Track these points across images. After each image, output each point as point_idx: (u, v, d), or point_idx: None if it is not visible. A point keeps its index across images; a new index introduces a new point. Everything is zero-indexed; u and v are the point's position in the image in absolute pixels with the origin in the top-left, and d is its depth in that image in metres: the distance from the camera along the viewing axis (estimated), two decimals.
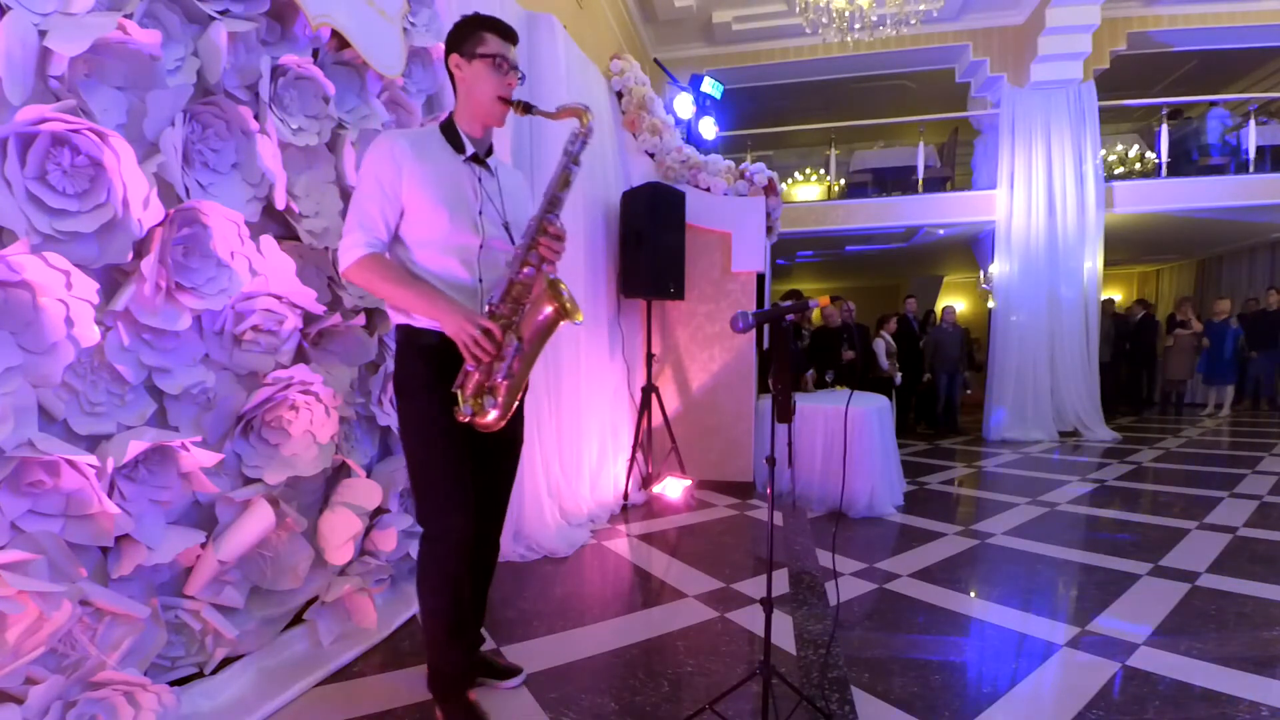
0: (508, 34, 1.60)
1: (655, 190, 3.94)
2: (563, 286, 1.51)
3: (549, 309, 1.51)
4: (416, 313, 1.55)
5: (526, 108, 1.58)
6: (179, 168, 1.57)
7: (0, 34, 1.24)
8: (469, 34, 1.58)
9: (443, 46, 1.65)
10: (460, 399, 1.52)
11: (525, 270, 1.51)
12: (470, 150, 1.62)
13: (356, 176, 1.58)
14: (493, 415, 1.52)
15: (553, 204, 1.53)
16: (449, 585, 1.60)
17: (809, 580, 2.67)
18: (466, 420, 1.53)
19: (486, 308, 1.53)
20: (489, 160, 1.67)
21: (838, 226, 7.80)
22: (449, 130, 1.63)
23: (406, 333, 1.60)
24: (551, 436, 3.27)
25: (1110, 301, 9.23)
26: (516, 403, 1.58)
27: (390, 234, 1.56)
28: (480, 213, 1.60)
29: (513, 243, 1.65)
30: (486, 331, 1.46)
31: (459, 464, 1.59)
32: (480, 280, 1.60)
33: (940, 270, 11.66)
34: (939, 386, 7.58)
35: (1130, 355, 8.80)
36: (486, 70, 1.57)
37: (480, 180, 1.63)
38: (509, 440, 1.74)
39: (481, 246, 1.60)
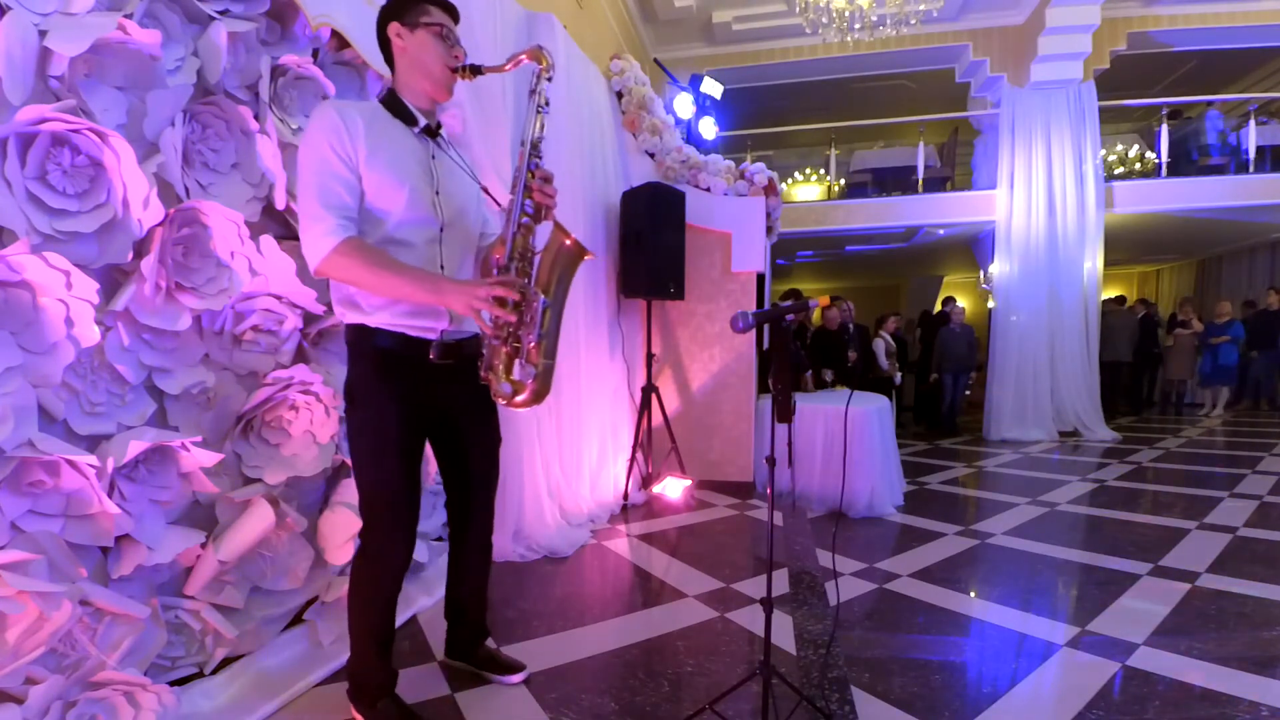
0: (451, 9, 1.53)
1: (655, 190, 3.94)
2: (566, 229, 1.47)
3: (565, 244, 1.44)
4: (413, 299, 1.41)
5: (474, 70, 1.49)
6: (179, 168, 1.57)
7: (0, 34, 1.24)
8: (411, 3, 1.49)
9: None
10: (494, 379, 1.41)
11: (524, 220, 1.43)
12: (423, 123, 1.52)
13: (299, 154, 1.41)
14: (531, 388, 1.42)
15: (534, 149, 1.45)
16: (381, 604, 1.57)
17: (809, 580, 2.67)
18: (505, 402, 1.43)
19: (495, 270, 1.43)
20: (440, 135, 1.58)
21: (838, 226, 7.80)
22: (393, 103, 1.51)
23: (359, 333, 1.48)
24: (551, 436, 3.27)
25: (1121, 299, 9.23)
26: (554, 366, 1.46)
27: (358, 211, 1.41)
28: (438, 193, 1.51)
29: (496, 203, 1.60)
30: (501, 285, 1.33)
31: (409, 482, 1.52)
32: (442, 266, 1.52)
33: (940, 270, 11.66)
34: (944, 386, 7.60)
35: (1132, 354, 8.79)
36: (432, 40, 1.48)
37: (434, 156, 1.54)
38: (483, 434, 1.70)
39: (442, 229, 1.52)
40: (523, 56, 1.47)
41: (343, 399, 1.54)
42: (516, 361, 1.41)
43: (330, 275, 1.40)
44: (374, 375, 1.48)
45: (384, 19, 1.51)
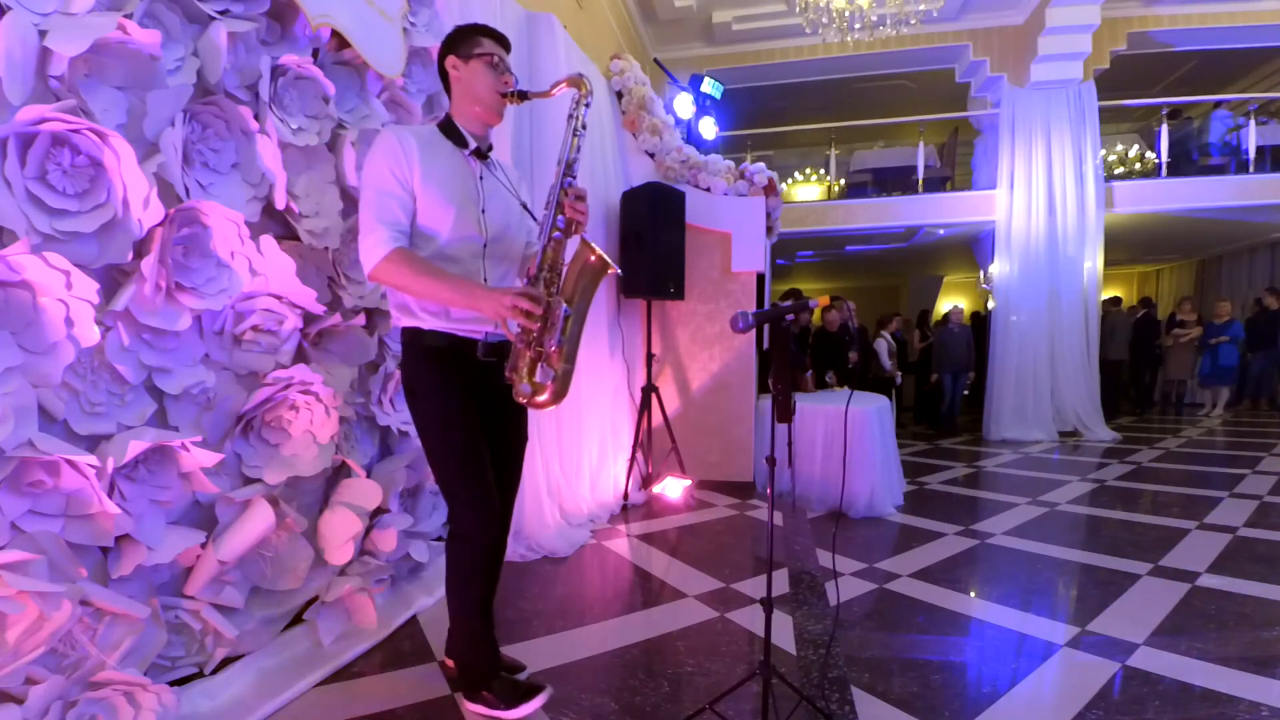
0: (502, 40, 1.65)
1: (655, 190, 3.94)
2: (593, 245, 1.53)
3: (590, 259, 1.51)
4: (451, 305, 1.54)
5: (521, 95, 1.62)
6: (179, 168, 1.57)
7: (0, 34, 1.24)
8: (465, 38, 1.63)
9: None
10: (517, 380, 1.50)
11: (555, 235, 1.52)
12: (473, 145, 1.64)
13: (362, 174, 1.58)
14: (551, 389, 1.50)
15: (568, 169, 1.54)
16: (475, 581, 1.65)
17: (809, 580, 2.67)
18: (525, 401, 1.51)
19: (524, 279, 1.54)
20: (490, 156, 1.70)
21: (838, 226, 7.80)
22: (449, 128, 1.65)
23: (413, 335, 1.61)
24: (551, 436, 3.27)
25: (1117, 299, 9.25)
26: (573, 370, 1.54)
27: (409, 226, 1.55)
28: (484, 210, 1.62)
29: (534, 219, 1.69)
30: (526, 296, 1.42)
31: (478, 460, 1.60)
32: (485, 279, 1.63)
33: (940, 270, 11.65)
34: (944, 386, 7.61)
35: (1131, 354, 8.80)
36: (483, 68, 1.60)
37: (482, 177, 1.65)
38: (515, 432, 1.76)
39: (486, 244, 1.62)
40: (563, 84, 1.57)
41: (407, 398, 1.65)
42: (539, 365, 1.50)
43: (381, 280, 1.53)
44: (430, 368, 1.61)
45: (442, 54, 1.65)
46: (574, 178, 1.55)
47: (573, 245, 1.56)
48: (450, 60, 1.63)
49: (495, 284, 1.65)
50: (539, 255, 1.52)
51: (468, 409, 1.60)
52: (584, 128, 1.56)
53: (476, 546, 1.62)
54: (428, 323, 1.59)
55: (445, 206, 1.55)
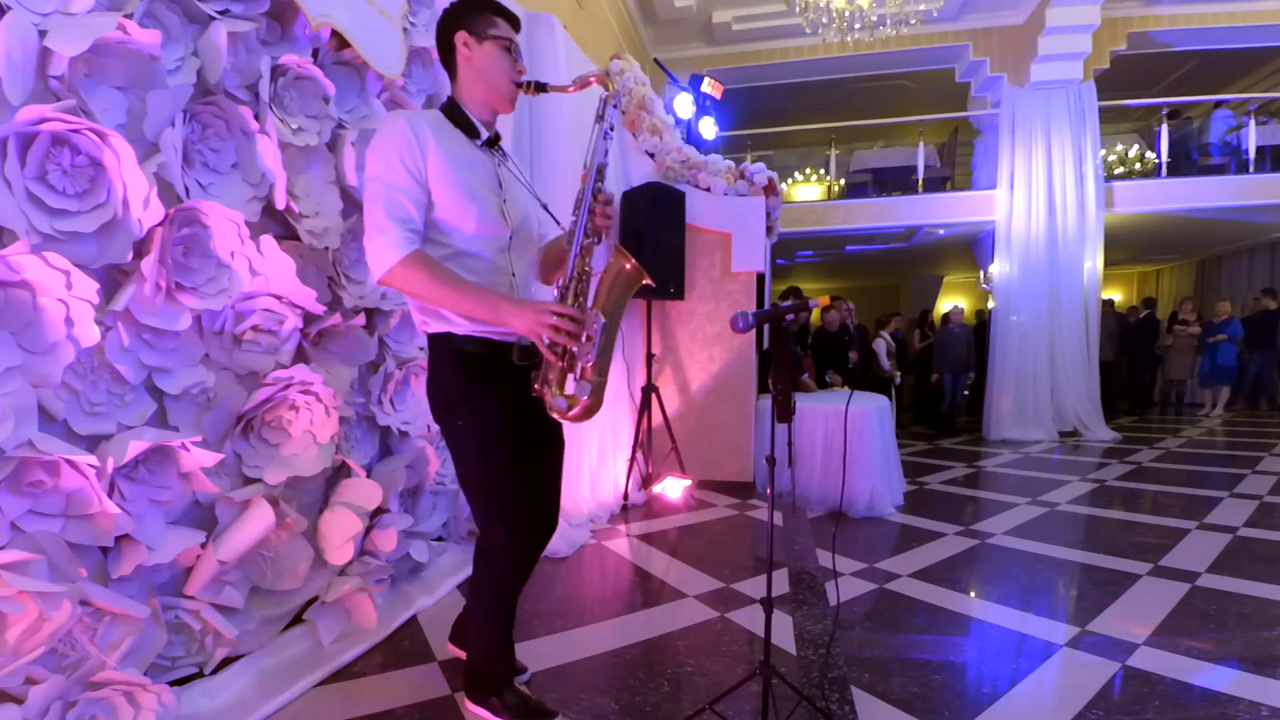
0: (514, 22, 1.55)
1: (655, 190, 3.94)
2: (627, 253, 1.47)
3: (626, 267, 1.45)
4: (476, 317, 1.43)
5: (539, 87, 1.50)
6: (179, 168, 1.57)
7: (0, 34, 1.24)
8: (478, 14, 1.49)
9: None
10: (549, 394, 1.43)
11: (586, 242, 1.45)
12: (485, 135, 1.54)
13: (368, 162, 1.44)
14: (584, 403, 1.42)
15: (599, 172, 1.46)
16: (503, 594, 1.60)
17: (809, 580, 2.67)
18: (559, 415, 1.44)
19: (555, 291, 1.45)
20: (499, 146, 1.61)
21: (838, 226, 7.80)
22: (455, 114, 1.52)
23: (444, 341, 1.51)
24: None
25: (1110, 302, 9.25)
26: (605, 383, 1.47)
27: (423, 223, 1.42)
28: (505, 201, 1.54)
29: (557, 222, 1.62)
30: (562, 315, 1.34)
31: (516, 476, 1.52)
32: (514, 274, 1.56)
33: (940, 270, 11.66)
34: (944, 386, 7.61)
35: (1132, 354, 8.80)
36: (498, 53, 1.49)
37: (498, 166, 1.57)
38: (555, 437, 1.70)
39: (511, 238, 1.54)
40: (591, 79, 1.49)
41: (437, 409, 1.54)
42: (570, 377, 1.42)
43: (393, 286, 1.41)
44: (466, 378, 1.50)
45: (449, 25, 1.50)
46: (603, 182, 1.47)
47: (598, 253, 1.50)
48: (462, 36, 1.48)
49: (522, 278, 1.58)
50: (570, 265, 1.43)
51: (506, 421, 1.51)
52: (612, 129, 1.48)
53: (506, 564, 1.56)
54: (462, 327, 1.47)
55: (468, 199, 1.44)
